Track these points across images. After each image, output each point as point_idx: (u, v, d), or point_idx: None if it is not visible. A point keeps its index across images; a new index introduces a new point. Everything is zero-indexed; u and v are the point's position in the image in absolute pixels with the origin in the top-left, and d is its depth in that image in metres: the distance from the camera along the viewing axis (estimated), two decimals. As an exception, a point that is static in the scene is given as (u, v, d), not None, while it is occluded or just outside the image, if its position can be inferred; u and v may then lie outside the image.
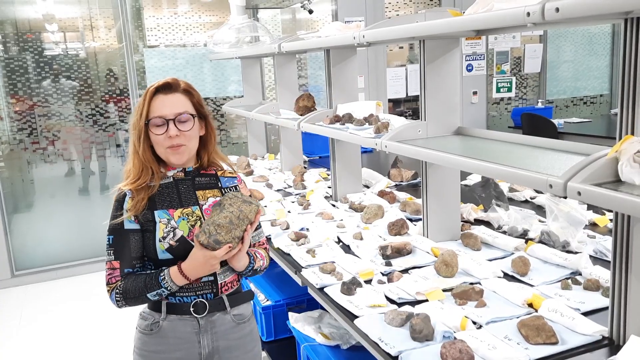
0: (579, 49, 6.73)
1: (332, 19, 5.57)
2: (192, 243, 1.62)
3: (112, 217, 1.66)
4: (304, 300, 2.75)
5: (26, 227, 4.97)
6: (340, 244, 2.37)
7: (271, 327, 2.76)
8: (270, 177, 3.70)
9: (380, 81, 5.72)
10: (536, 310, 1.61)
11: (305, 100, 3.09)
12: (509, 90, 6.25)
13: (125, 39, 5.02)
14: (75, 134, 5.04)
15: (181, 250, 1.62)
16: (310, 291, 2.02)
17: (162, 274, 1.61)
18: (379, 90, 5.69)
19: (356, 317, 1.69)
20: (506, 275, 1.90)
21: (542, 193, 2.73)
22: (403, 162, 3.51)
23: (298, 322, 2.40)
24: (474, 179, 3.17)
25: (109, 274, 1.65)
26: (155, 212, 1.66)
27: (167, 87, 1.66)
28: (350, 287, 1.85)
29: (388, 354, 1.47)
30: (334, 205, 2.95)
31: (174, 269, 1.61)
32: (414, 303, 1.74)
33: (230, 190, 1.77)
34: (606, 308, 1.54)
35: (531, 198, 2.83)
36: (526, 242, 2.13)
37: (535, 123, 5.48)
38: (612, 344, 1.43)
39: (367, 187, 3.28)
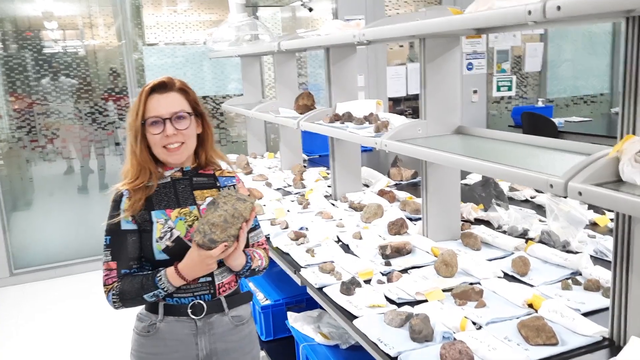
0: (579, 48, 6.72)
1: (332, 17, 5.55)
2: (189, 244, 1.61)
3: (109, 217, 1.65)
4: (303, 300, 2.74)
5: (25, 225, 4.96)
6: (340, 243, 2.36)
7: (270, 326, 2.75)
8: (270, 176, 3.69)
9: (380, 80, 5.70)
10: (536, 311, 1.60)
11: (305, 98, 3.08)
12: (509, 89, 6.24)
13: (125, 36, 5.01)
14: (74, 132, 5.03)
15: (178, 251, 1.61)
16: (309, 291, 2.01)
17: (158, 275, 1.60)
18: (379, 89, 5.68)
19: (355, 317, 1.68)
20: (506, 275, 1.89)
21: (542, 192, 2.72)
22: (403, 161, 3.50)
23: (297, 321, 2.39)
24: (473, 178, 3.16)
25: (105, 275, 1.63)
26: (153, 212, 1.64)
27: (163, 87, 1.65)
28: (349, 287, 1.84)
29: (387, 355, 1.46)
30: (333, 205, 2.94)
31: (170, 270, 1.60)
32: (413, 303, 1.73)
33: (229, 189, 1.76)
34: (606, 309, 1.53)
35: (531, 197, 2.82)
36: (526, 241, 2.12)
37: (535, 122, 5.47)
38: (613, 345, 1.42)
39: (367, 186, 3.27)
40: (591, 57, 6.78)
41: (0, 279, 4.80)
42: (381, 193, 2.96)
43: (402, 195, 2.97)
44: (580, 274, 1.84)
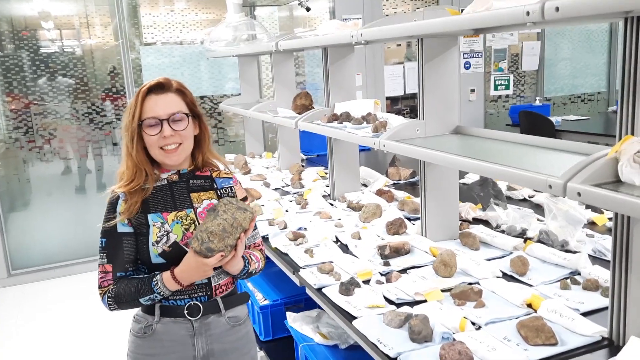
0: (576, 46, 6.73)
1: (329, 17, 5.55)
2: (186, 248, 1.60)
3: (105, 219, 1.64)
4: (302, 300, 2.74)
5: (22, 226, 4.95)
6: (339, 243, 2.36)
7: (269, 326, 2.75)
8: (268, 175, 3.68)
9: (377, 79, 5.70)
10: (535, 311, 1.60)
11: (303, 98, 3.08)
12: (507, 87, 6.25)
13: (122, 36, 5.00)
14: (72, 132, 5.02)
15: (174, 255, 1.61)
16: (308, 291, 2.01)
17: (154, 279, 1.59)
18: (377, 88, 5.68)
19: (354, 317, 1.68)
20: (505, 275, 1.89)
21: (540, 192, 2.72)
22: (401, 160, 3.50)
23: (296, 321, 2.39)
24: (471, 178, 3.16)
25: (101, 277, 1.63)
26: (149, 215, 1.63)
27: (160, 87, 1.63)
28: (348, 287, 1.84)
29: (387, 356, 1.46)
30: (331, 205, 2.94)
31: (166, 275, 1.59)
32: (412, 303, 1.73)
33: (226, 191, 1.76)
34: (605, 308, 1.54)
35: (529, 197, 2.82)
36: (525, 241, 2.12)
37: (533, 121, 5.48)
38: (612, 344, 1.42)
39: (365, 185, 3.27)
40: (588, 55, 6.80)
41: (-2, 280, 4.80)
42: (379, 193, 2.96)
43: (401, 194, 2.97)
44: (579, 274, 1.84)
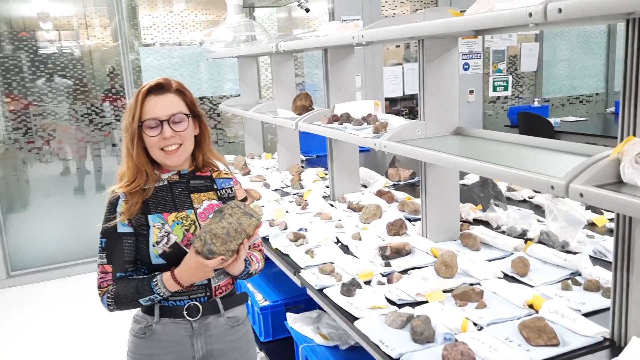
0: (575, 47, 6.74)
1: (328, 18, 5.55)
2: (186, 249, 1.60)
3: (105, 220, 1.64)
4: (302, 301, 2.74)
5: (21, 227, 4.94)
6: (339, 244, 2.36)
7: (269, 327, 2.75)
8: (268, 176, 3.68)
9: (377, 80, 5.71)
10: (537, 312, 1.61)
11: (303, 99, 3.08)
12: (506, 89, 6.25)
13: (121, 37, 5.00)
14: (71, 133, 5.01)
15: (175, 256, 1.60)
16: (309, 292, 2.01)
17: (154, 280, 1.59)
18: (376, 89, 5.68)
19: (356, 318, 1.68)
20: (506, 276, 1.90)
21: (540, 192, 2.73)
22: (400, 161, 3.50)
23: (296, 322, 2.39)
24: (471, 179, 3.16)
25: (100, 278, 1.62)
26: (149, 216, 1.63)
27: (160, 88, 1.63)
28: (350, 288, 1.84)
29: (389, 356, 1.46)
30: (332, 205, 2.94)
31: (167, 275, 1.59)
32: (414, 304, 1.73)
33: (226, 191, 1.76)
34: (607, 309, 1.54)
35: (529, 197, 2.83)
36: (525, 242, 2.13)
37: (531, 122, 5.48)
38: (614, 345, 1.43)
39: (365, 186, 3.27)
40: (587, 56, 6.81)
41: (-3, 281, 4.79)
42: (379, 193, 2.97)
43: (401, 195, 2.98)
44: (580, 275, 1.84)
